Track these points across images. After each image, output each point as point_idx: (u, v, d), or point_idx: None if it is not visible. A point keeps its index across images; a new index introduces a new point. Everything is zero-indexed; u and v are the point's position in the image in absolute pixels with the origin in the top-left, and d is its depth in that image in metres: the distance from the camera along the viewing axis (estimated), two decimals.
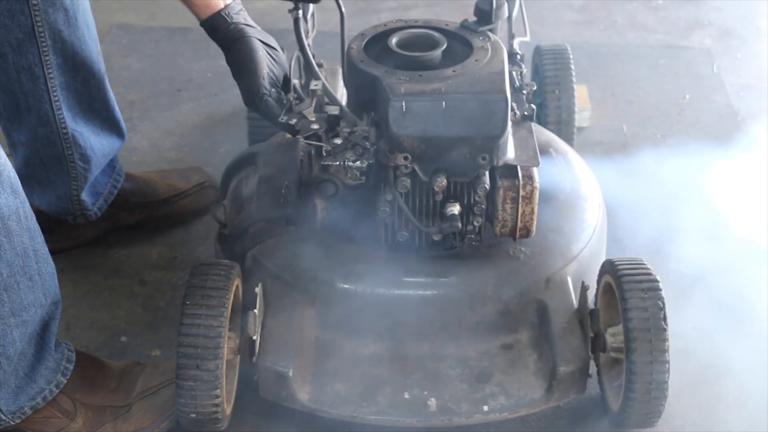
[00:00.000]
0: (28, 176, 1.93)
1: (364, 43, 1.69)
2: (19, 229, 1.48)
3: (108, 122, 1.99)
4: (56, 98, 1.86)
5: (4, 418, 1.55)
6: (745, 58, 2.80)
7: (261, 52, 1.64)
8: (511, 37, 1.98)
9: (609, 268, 1.62)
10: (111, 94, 1.98)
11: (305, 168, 1.63)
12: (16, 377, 1.53)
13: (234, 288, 1.59)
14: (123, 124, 2.03)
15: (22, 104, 1.86)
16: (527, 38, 2.00)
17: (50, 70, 1.83)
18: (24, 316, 1.50)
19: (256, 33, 1.66)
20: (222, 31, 1.64)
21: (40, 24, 1.78)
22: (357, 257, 1.66)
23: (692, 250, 2.09)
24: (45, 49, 1.81)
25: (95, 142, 1.96)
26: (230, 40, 1.64)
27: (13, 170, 1.48)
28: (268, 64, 1.65)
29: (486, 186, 1.60)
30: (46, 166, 1.93)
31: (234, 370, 1.66)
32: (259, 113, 1.65)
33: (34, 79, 1.83)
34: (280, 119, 1.63)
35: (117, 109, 2.00)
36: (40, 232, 1.55)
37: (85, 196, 1.99)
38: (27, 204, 1.51)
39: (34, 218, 1.53)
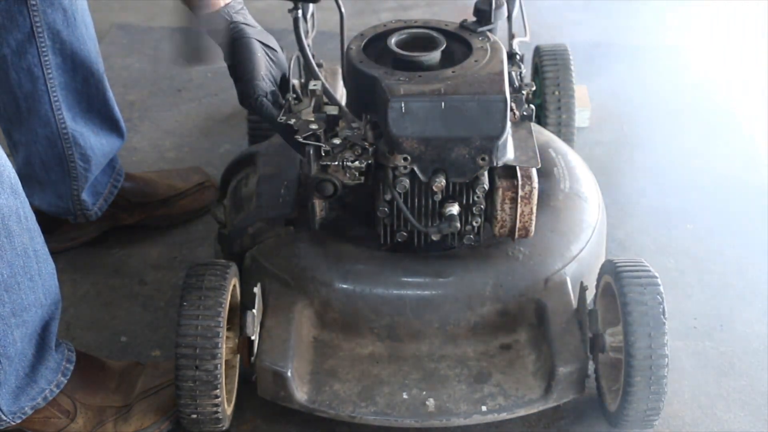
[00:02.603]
0: (28, 176, 1.93)
1: (363, 43, 1.69)
2: (20, 229, 1.48)
3: (108, 122, 1.99)
4: (56, 98, 1.86)
5: (5, 418, 1.55)
6: (745, 58, 2.80)
7: (259, 54, 1.64)
8: (511, 37, 1.98)
9: (608, 268, 1.62)
10: (110, 94, 1.98)
11: (304, 168, 1.63)
12: (16, 377, 1.53)
13: (231, 288, 1.59)
14: (122, 124, 2.03)
15: (22, 105, 1.86)
16: (527, 38, 2.00)
17: (49, 71, 1.83)
18: (25, 317, 1.50)
19: (255, 33, 1.66)
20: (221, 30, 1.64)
21: (38, 24, 1.78)
22: (356, 257, 1.67)
23: (692, 251, 2.09)
24: (44, 49, 1.81)
25: (95, 142, 1.96)
26: (229, 40, 1.64)
27: (14, 170, 1.48)
28: (266, 65, 1.65)
29: (485, 186, 1.60)
30: (47, 166, 1.94)
31: (234, 370, 1.66)
32: (255, 114, 1.66)
33: (33, 80, 1.83)
34: (278, 119, 1.63)
35: (116, 108, 2.00)
36: (40, 233, 1.55)
37: (85, 195, 1.99)
38: (27, 204, 1.51)
39: (34, 218, 1.53)
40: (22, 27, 1.77)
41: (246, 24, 1.66)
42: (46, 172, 1.94)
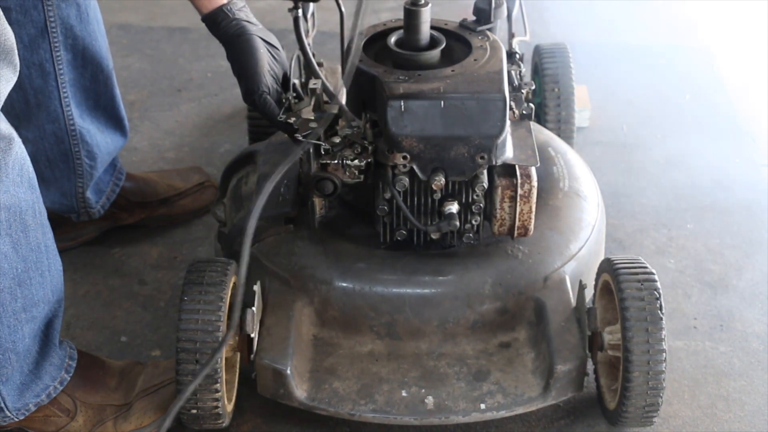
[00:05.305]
0: None
1: (363, 42, 1.69)
2: (35, 224, 1.48)
3: (113, 119, 1.99)
4: (65, 94, 1.86)
5: (9, 414, 1.55)
6: (745, 58, 2.80)
7: (262, 50, 1.65)
8: (511, 36, 1.98)
9: (607, 266, 1.62)
10: (117, 91, 1.98)
11: (304, 166, 1.63)
12: (21, 374, 1.53)
13: (231, 284, 1.59)
14: (126, 122, 2.03)
15: (31, 101, 1.85)
16: (527, 38, 2.01)
17: (60, 66, 1.83)
18: (34, 312, 1.51)
19: (257, 30, 1.67)
20: (223, 27, 1.65)
21: (52, 19, 1.78)
22: (355, 256, 1.67)
23: (692, 251, 2.09)
24: (56, 44, 1.80)
25: (101, 140, 1.96)
26: (231, 37, 1.65)
27: (32, 166, 1.48)
28: (268, 62, 1.65)
29: (484, 185, 1.60)
30: (52, 163, 1.93)
31: (234, 368, 1.66)
32: (258, 111, 1.66)
33: (44, 75, 1.83)
34: (278, 118, 1.63)
35: (122, 106, 2.01)
36: (50, 229, 1.55)
37: (89, 193, 1.99)
38: (41, 199, 1.51)
39: (46, 214, 1.53)
40: (36, 21, 1.77)
41: (248, 21, 1.66)
42: (52, 169, 1.94)
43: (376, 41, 1.72)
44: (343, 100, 1.72)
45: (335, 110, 1.65)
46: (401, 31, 1.69)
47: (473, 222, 1.65)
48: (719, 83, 2.67)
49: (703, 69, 2.73)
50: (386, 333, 1.64)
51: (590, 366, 1.64)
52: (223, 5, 1.64)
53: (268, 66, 1.64)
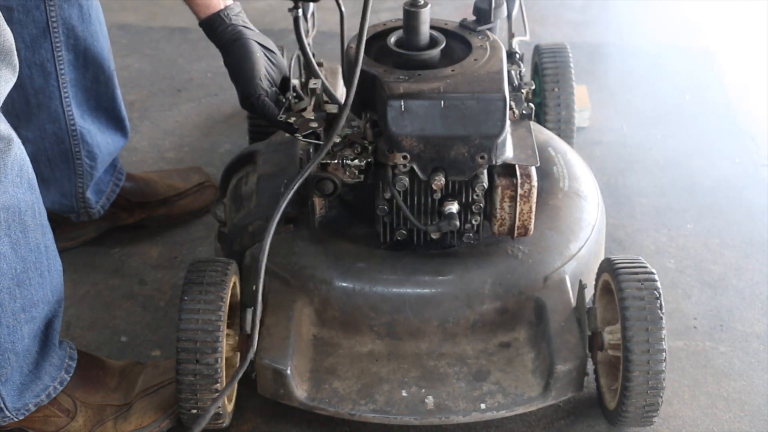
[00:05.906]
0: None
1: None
2: (34, 224, 1.48)
3: (114, 120, 1.99)
4: (66, 95, 1.86)
5: (9, 415, 1.55)
6: (745, 58, 2.80)
7: (258, 55, 1.65)
8: (511, 36, 1.98)
9: (607, 266, 1.62)
10: (118, 92, 1.98)
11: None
12: (20, 374, 1.53)
13: (231, 284, 1.59)
14: (127, 122, 2.04)
15: (32, 101, 1.85)
16: (527, 38, 2.01)
17: (62, 67, 1.83)
18: (33, 312, 1.51)
19: (254, 35, 1.67)
20: (220, 32, 1.65)
21: (54, 19, 1.78)
22: (355, 255, 1.67)
23: (692, 251, 2.09)
24: (58, 44, 1.81)
25: (101, 140, 1.96)
26: (228, 41, 1.65)
27: (31, 166, 1.49)
28: (265, 66, 1.65)
29: (484, 185, 1.60)
30: (53, 163, 1.94)
31: (234, 368, 1.66)
32: (256, 114, 1.66)
33: (45, 75, 1.83)
34: (278, 118, 1.63)
35: (123, 106, 2.01)
36: (50, 229, 1.55)
37: (89, 194, 1.99)
38: (41, 200, 1.52)
39: (46, 214, 1.54)
40: (38, 21, 1.77)
41: (245, 26, 1.67)
42: (52, 169, 1.94)
43: (376, 41, 1.71)
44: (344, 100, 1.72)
45: (335, 110, 1.66)
46: (401, 30, 1.69)
47: (473, 222, 1.65)
48: (719, 83, 2.67)
49: (703, 69, 2.73)
50: (386, 333, 1.64)
51: (590, 366, 1.64)
52: (219, 11, 1.65)
53: (264, 71, 1.64)
